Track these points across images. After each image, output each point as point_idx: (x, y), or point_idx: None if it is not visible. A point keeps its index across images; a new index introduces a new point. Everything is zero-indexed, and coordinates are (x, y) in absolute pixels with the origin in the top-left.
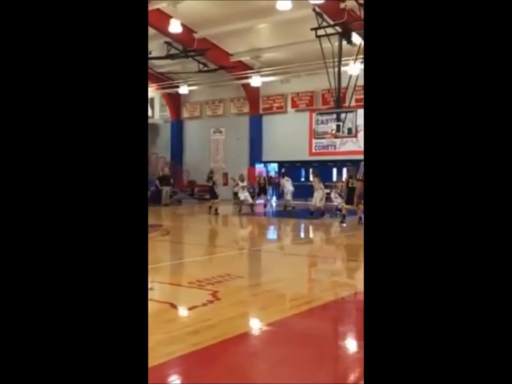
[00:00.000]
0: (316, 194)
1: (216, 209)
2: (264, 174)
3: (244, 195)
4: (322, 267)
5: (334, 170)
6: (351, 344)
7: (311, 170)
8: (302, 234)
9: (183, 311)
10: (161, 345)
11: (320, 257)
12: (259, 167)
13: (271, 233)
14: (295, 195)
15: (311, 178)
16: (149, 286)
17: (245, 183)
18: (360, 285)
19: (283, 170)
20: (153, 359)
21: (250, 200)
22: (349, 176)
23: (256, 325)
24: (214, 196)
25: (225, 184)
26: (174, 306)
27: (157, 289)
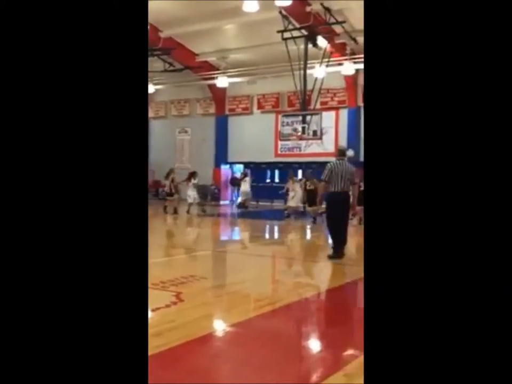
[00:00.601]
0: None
1: (175, 209)
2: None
3: (193, 195)
4: (286, 268)
5: (299, 172)
6: (314, 344)
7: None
8: (267, 235)
9: None
10: None
11: (284, 258)
12: (225, 168)
13: (236, 234)
14: (259, 195)
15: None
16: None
17: (196, 181)
18: (322, 286)
19: (241, 172)
20: None
21: (198, 200)
22: (306, 179)
23: (220, 326)
24: (170, 194)
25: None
26: None
27: None
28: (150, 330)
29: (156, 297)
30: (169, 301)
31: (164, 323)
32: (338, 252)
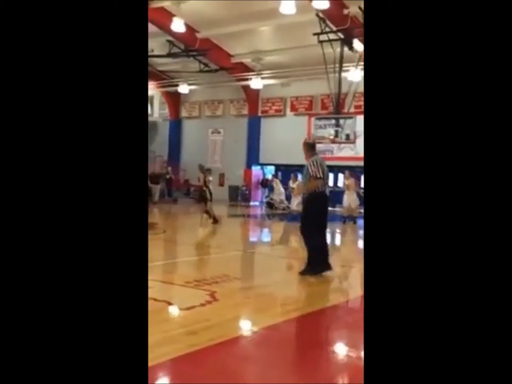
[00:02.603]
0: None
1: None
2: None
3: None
4: None
5: (331, 176)
6: (344, 351)
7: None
8: (297, 237)
9: (180, 311)
10: (157, 346)
11: None
12: (256, 169)
13: (266, 235)
14: (290, 198)
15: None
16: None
17: (211, 177)
18: (352, 292)
19: (272, 174)
20: (149, 360)
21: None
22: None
23: (253, 328)
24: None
25: (221, 185)
26: (171, 305)
27: (153, 288)
28: (185, 329)
29: (190, 296)
30: (204, 300)
31: (199, 322)
32: (319, 265)
